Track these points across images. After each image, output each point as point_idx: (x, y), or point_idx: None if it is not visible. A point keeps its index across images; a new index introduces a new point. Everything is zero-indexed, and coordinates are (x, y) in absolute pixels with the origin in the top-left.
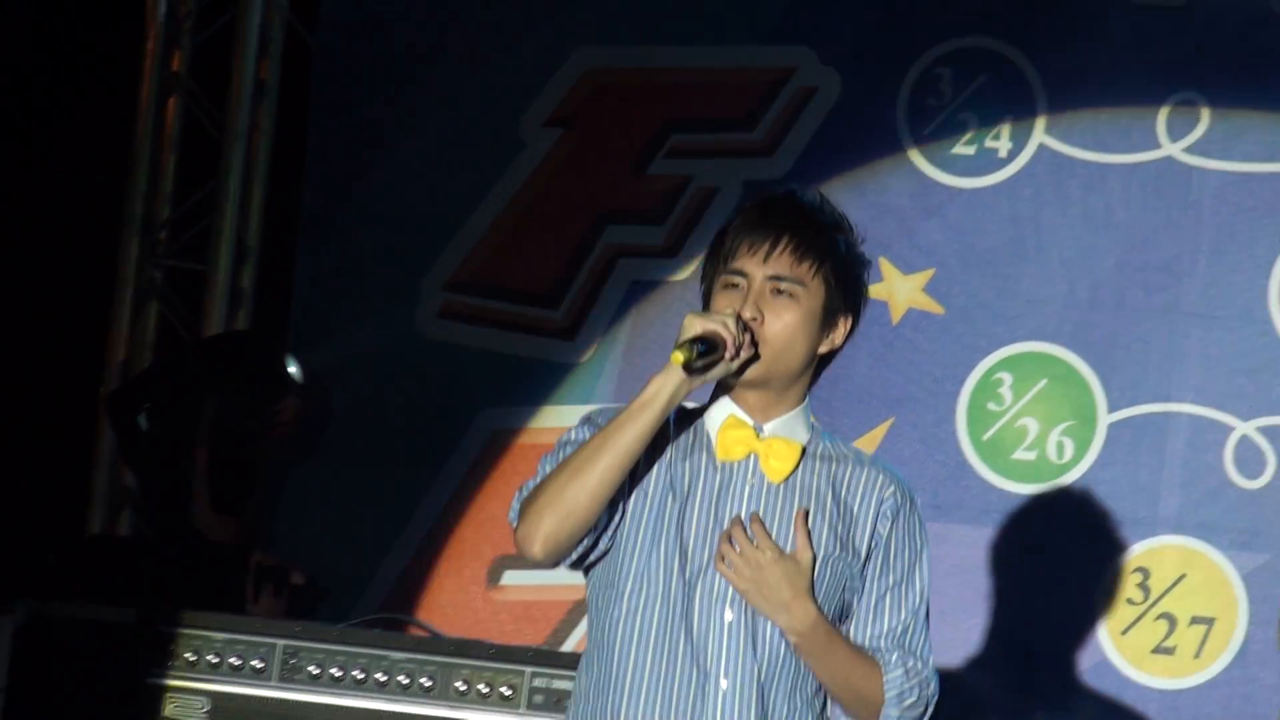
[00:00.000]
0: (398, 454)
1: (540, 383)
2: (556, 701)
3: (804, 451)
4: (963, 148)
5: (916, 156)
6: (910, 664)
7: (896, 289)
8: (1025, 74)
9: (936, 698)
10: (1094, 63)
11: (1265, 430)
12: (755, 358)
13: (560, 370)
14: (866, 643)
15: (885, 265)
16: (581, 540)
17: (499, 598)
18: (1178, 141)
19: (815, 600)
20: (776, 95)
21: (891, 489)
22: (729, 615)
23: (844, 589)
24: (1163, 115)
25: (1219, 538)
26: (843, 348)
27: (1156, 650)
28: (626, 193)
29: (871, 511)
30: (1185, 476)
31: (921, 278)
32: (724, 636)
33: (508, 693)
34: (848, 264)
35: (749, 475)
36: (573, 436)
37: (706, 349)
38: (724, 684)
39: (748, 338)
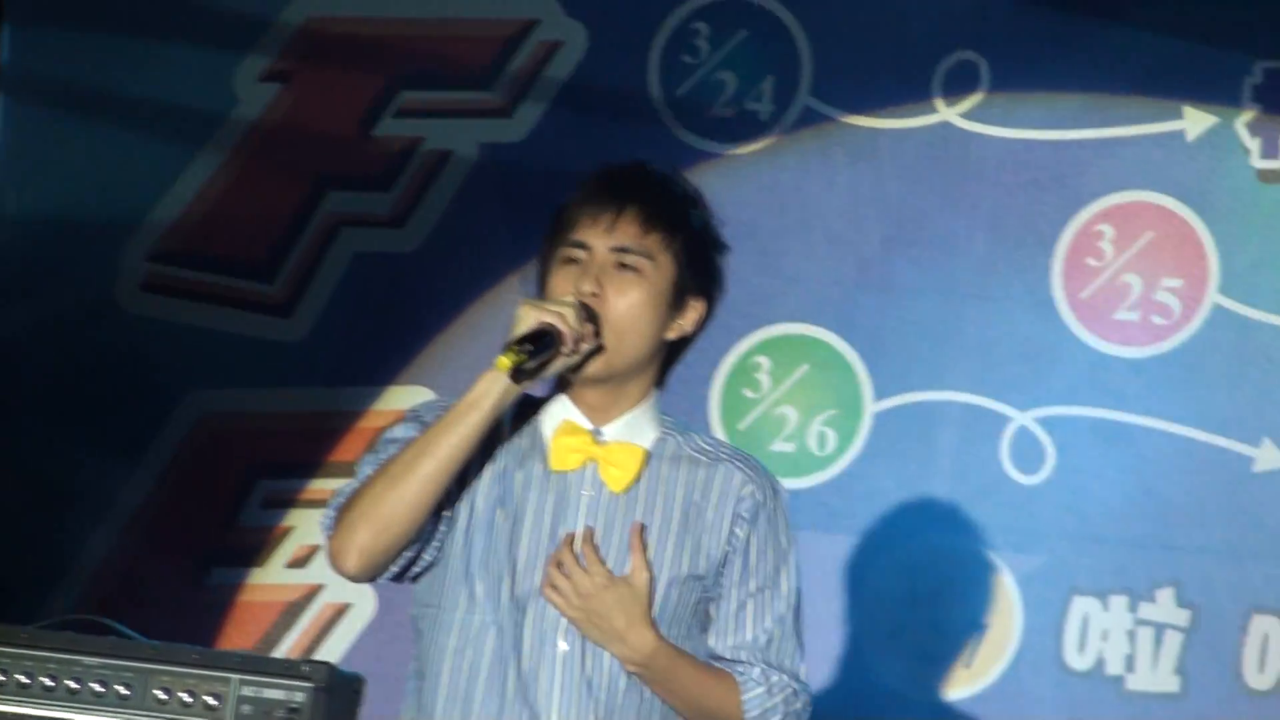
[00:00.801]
0: (94, 437)
1: (253, 362)
2: (266, 713)
3: (649, 456)
4: (720, 110)
5: (669, 119)
6: (774, 679)
7: None
8: (790, 29)
9: (809, 712)
10: (864, 18)
11: (1044, 421)
12: (599, 349)
13: (275, 349)
14: (728, 655)
15: None
16: (402, 553)
17: (206, 597)
18: (955, 106)
19: (654, 626)
20: (516, 50)
21: (750, 487)
22: (562, 646)
23: (696, 605)
24: (939, 77)
25: (993, 538)
26: (695, 338)
27: (924, 659)
28: (350, 156)
29: (727, 516)
30: (957, 471)
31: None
32: (556, 670)
33: (213, 703)
34: (701, 242)
35: (586, 486)
36: (396, 434)
37: (539, 348)
38: None
39: (590, 329)
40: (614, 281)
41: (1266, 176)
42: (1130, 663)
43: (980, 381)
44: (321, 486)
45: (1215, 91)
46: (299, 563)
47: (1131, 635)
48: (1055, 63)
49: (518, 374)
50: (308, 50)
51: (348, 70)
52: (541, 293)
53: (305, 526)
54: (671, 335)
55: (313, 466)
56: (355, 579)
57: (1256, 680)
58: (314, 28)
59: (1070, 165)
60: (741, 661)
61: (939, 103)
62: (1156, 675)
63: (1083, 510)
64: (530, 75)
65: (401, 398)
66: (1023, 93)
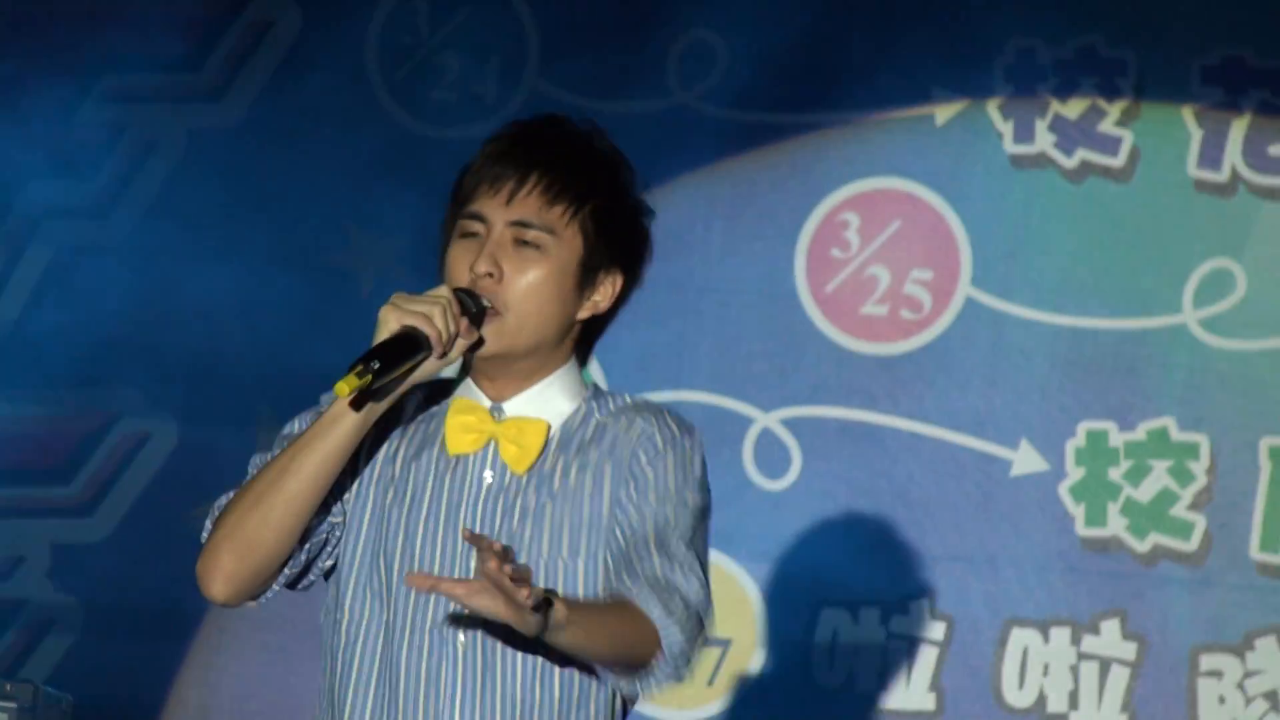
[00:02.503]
0: None
1: None
2: None
3: (559, 430)
4: (443, 92)
5: (390, 103)
6: (673, 604)
7: (365, 258)
8: (515, 8)
9: (705, 623)
10: None
11: (790, 423)
12: (479, 343)
13: None
14: (626, 590)
15: (354, 231)
16: (281, 571)
17: None
18: (691, 88)
19: (541, 610)
20: (226, 29)
21: (651, 434)
22: (461, 639)
23: (611, 564)
24: (674, 57)
25: (735, 547)
26: (614, 313)
27: None
28: (49, 144)
29: (624, 469)
30: None
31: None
32: (456, 668)
33: None
34: (615, 210)
35: (486, 468)
36: (295, 429)
37: (395, 357)
38: None
39: (465, 324)
40: (512, 260)
41: (1020, 162)
42: (883, 679)
43: (720, 381)
44: (28, 494)
45: (966, 73)
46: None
47: (884, 650)
48: (796, 42)
49: (363, 397)
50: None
51: (45, 52)
52: (441, 264)
53: (5, 536)
54: (583, 314)
55: (19, 473)
56: (227, 604)
57: (1015, 697)
58: (8, 8)
59: (813, 151)
60: (639, 590)
61: (673, 83)
62: (910, 692)
63: (831, 517)
64: (241, 56)
65: None
66: (762, 73)
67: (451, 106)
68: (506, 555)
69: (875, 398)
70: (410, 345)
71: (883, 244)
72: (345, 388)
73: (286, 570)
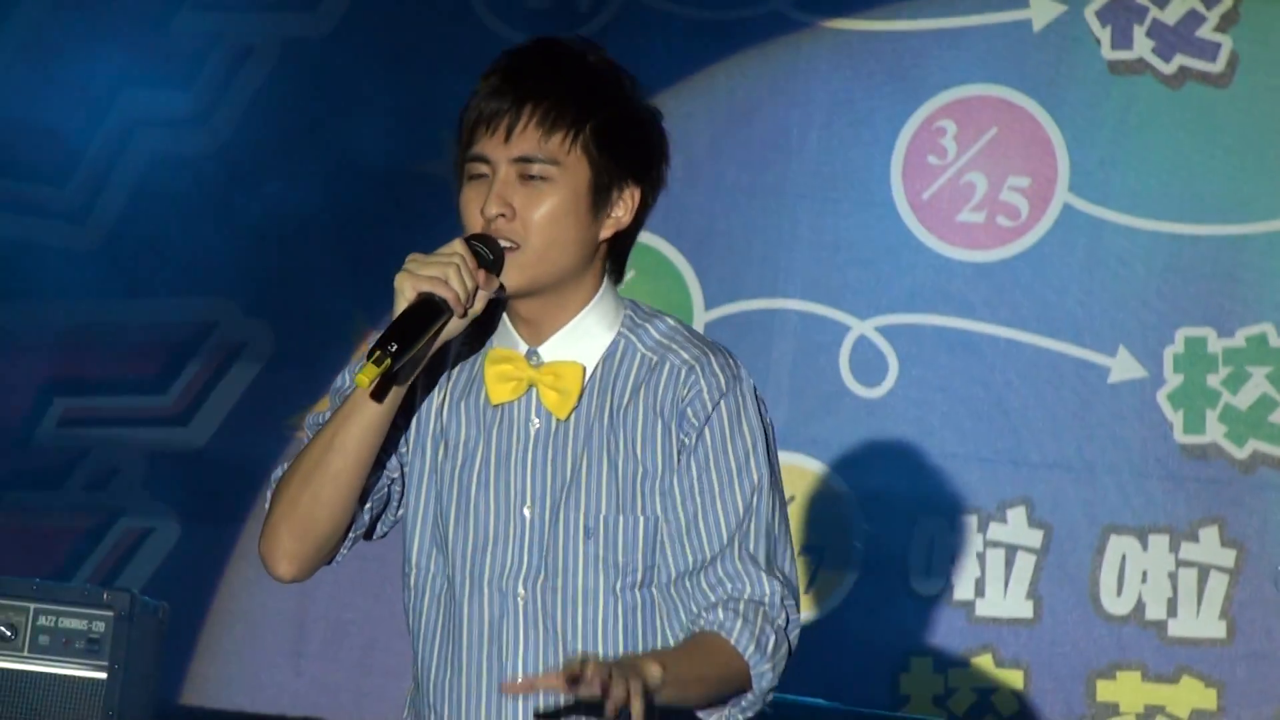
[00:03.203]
0: None
1: (48, 273)
2: (66, 643)
3: (597, 366)
4: (538, 1)
5: (484, 11)
6: (743, 608)
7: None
8: None
9: (795, 614)
10: None
11: (886, 330)
12: (502, 288)
13: (70, 258)
14: (713, 620)
15: (450, 139)
16: (343, 541)
17: None
18: None
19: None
20: None
21: (699, 390)
22: (521, 593)
23: (654, 538)
24: None
25: (832, 455)
26: (640, 224)
27: None
28: (145, 51)
29: (674, 429)
30: (795, 384)
31: None
32: (519, 620)
33: (7, 633)
34: (619, 123)
35: (531, 415)
36: (319, 419)
37: (418, 328)
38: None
39: (483, 275)
40: (521, 196)
41: (1118, 68)
42: (980, 587)
43: (817, 288)
44: (123, 404)
45: None
46: (97, 484)
47: (981, 558)
48: None
49: (386, 381)
50: None
51: None
52: (458, 204)
53: (102, 448)
54: (606, 233)
55: (114, 383)
56: (296, 580)
57: (1113, 604)
58: None
59: (909, 57)
60: (717, 609)
61: None
62: (1008, 600)
63: (928, 425)
64: None
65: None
66: None
67: (545, 14)
68: (573, 678)
69: (972, 305)
70: (431, 311)
71: (979, 151)
72: (365, 379)
73: (352, 533)
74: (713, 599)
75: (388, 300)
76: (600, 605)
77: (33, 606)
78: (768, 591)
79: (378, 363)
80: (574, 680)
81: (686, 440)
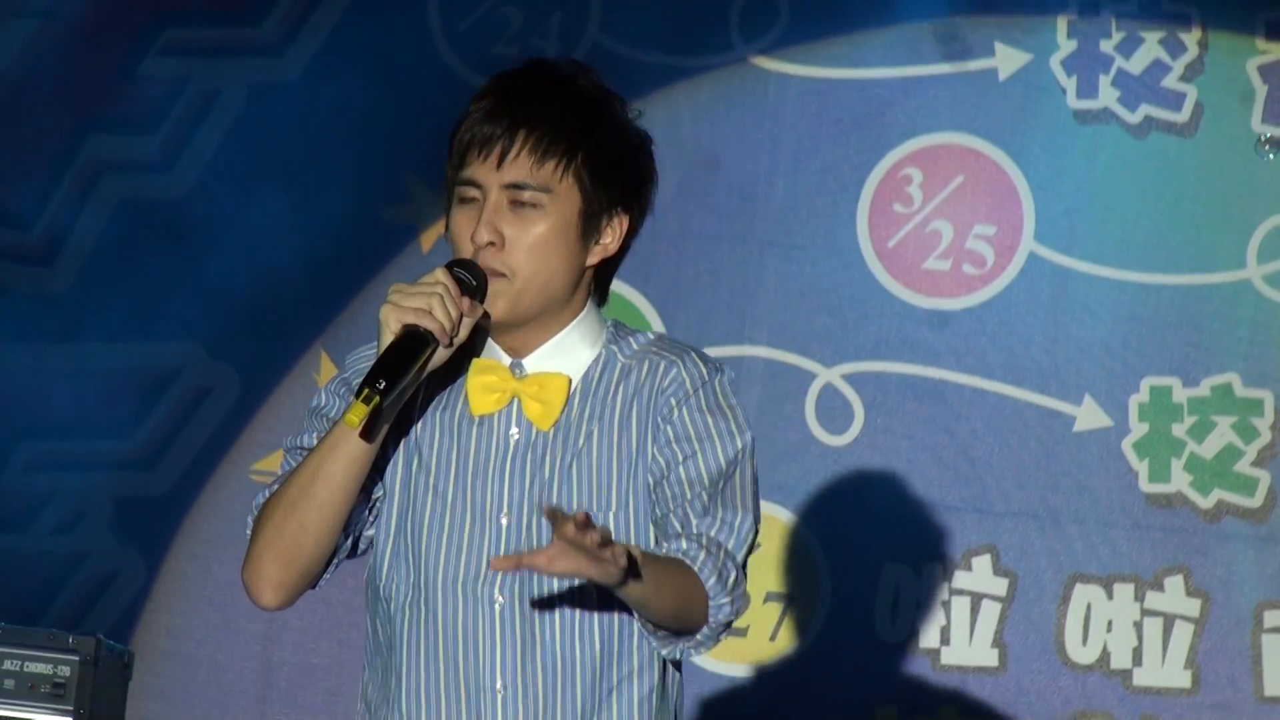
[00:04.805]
0: None
1: (13, 316)
2: (30, 687)
3: (581, 380)
4: (504, 47)
5: (451, 57)
6: (725, 572)
7: (425, 212)
8: None
9: (739, 570)
10: None
11: (851, 378)
12: (487, 315)
13: (37, 302)
14: (682, 551)
15: (415, 184)
16: (326, 568)
17: None
18: (753, 42)
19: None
20: None
21: (679, 379)
22: (499, 599)
23: (659, 516)
24: (735, 11)
25: (798, 503)
26: (625, 251)
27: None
28: (113, 96)
29: (653, 416)
30: (761, 432)
31: None
32: (496, 631)
33: None
34: (610, 151)
35: (511, 426)
36: (300, 441)
37: (404, 362)
38: (500, 689)
39: (467, 303)
40: (511, 223)
41: (1083, 117)
42: (945, 635)
43: (782, 336)
44: (89, 448)
45: (1028, 27)
46: (63, 528)
47: (946, 606)
48: None
49: (376, 417)
50: None
51: (109, 5)
52: (448, 226)
53: (68, 492)
54: (593, 260)
55: (80, 426)
56: (279, 609)
57: (1078, 653)
58: None
59: (875, 106)
60: (683, 539)
61: (735, 38)
62: (974, 649)
63: (894, 473)
64: (304, 9)
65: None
66: (825, 28)
67: (512, 61)
68: (588, 523)
69: (938, 353)
70: (417, 344)
71: (945, 199)
72: (355, 418)
73: (336, 558)
74: (680, 530)
75: (354, 344)
76: (578, 611)
77: None
78: (735, 535)
79: (366, 401)
80: (574, 524)
81: (665, 416)
